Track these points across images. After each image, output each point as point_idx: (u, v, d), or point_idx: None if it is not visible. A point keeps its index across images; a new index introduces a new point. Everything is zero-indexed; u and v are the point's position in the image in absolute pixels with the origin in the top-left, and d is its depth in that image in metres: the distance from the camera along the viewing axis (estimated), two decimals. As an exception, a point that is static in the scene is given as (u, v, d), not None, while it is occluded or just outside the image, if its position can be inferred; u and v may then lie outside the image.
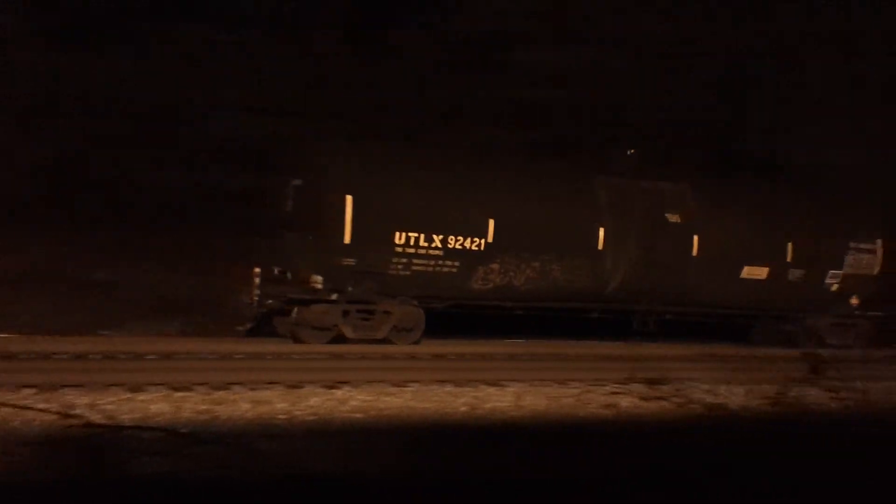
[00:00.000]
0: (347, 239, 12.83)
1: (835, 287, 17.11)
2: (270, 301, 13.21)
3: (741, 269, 16.04)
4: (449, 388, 9.60)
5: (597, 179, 14.96)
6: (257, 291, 13.14)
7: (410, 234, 13.20)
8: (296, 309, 13.11)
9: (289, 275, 13.29)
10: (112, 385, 8.16)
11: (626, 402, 7.54)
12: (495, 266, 13.89)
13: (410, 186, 13.55)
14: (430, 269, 13.47)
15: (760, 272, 16.19)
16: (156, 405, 7.23)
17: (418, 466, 5.71)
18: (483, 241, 13.69)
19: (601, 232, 14.69)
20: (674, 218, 15.46)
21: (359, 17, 19.58)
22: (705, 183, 16.41)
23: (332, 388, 8.90)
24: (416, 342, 13.73)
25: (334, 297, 13.08)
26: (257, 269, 13.18)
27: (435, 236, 13.39)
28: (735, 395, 7.72)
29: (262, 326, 13.97)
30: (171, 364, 10.28)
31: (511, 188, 14.30)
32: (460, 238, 13.56)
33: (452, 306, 14.23)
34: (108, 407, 7.00)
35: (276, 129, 16.86)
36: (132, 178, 16.93)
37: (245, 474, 4.93)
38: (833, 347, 15.45)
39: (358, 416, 7.71)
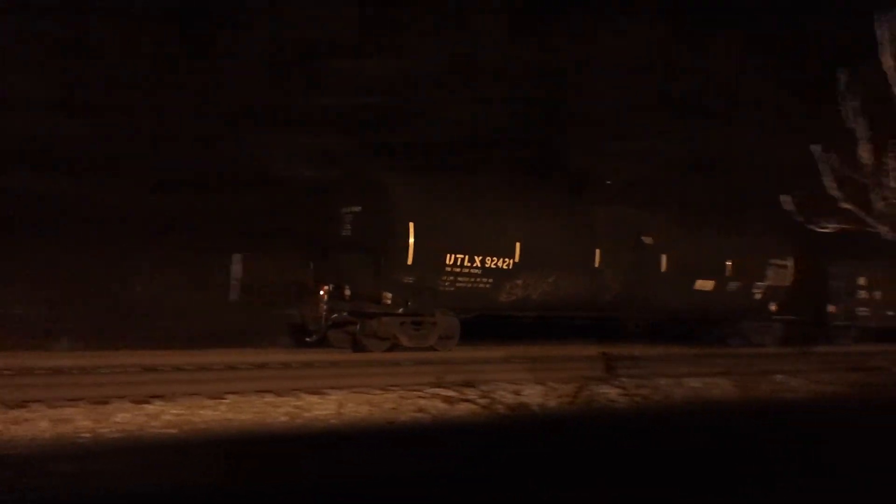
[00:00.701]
0: (410, 261, 14.91)
1: (759, 296, 20.83)
2: (335, 315, 14.95)
3: (695, 282, 19.50)
4: (269, 398, 9.50)
5: (593, 209, 17.74)
6: (325, 306, 14.79)
7: (458, 255, 15.55)
8: (360, 322, 15.03)
9: (347, 291, 15.01)
10: None
11: (442, 406, 7.83)
12: (519, 282, 16.42)
13: (458, 215, 15.90)
14: (470, 284, 15.87)
15: (708, 285, 19.71)
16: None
17: (232, 481, 5.66)
18: (512, 260, 16.22)
19: (598, 252, 17.53)
20: (648, 240, 18.56)
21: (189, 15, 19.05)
22: (668, 212, 19.47)
23: (142, 402, 8.54)
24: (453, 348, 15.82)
25: (400, 310, 15.05)
26: (325, 287, 14.92)
27: (476, 257, 15.83)
28: (536, 395, 8.21)
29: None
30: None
31: (533, 217, 16.94)
32: (495, 258, 16.05)
33: (478, 316, 16.47)
34: None
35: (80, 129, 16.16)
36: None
37: (38, 500, 4.70)
38: (758, 345, 19.75)
39: (171, 431, 7.48)
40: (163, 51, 18.74)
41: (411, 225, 14.90)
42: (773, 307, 21.39)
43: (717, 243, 19.72)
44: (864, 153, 11.80)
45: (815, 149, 11.92)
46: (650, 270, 18.42)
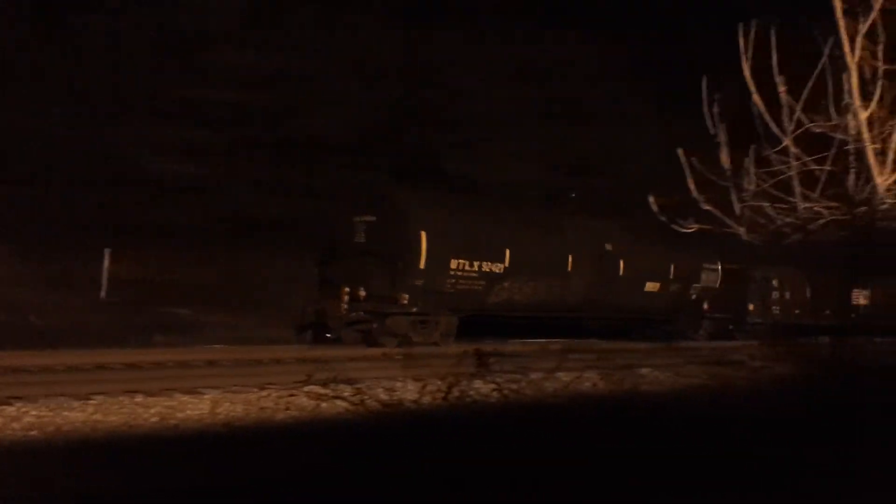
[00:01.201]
0: (422, 265, 16.80)
1: (694, 296, 23.82)
2: (354, 314, 16.74)
3: (645, 284, 22.01)
4: (139, 398, 9.29)
5: (564, 220, 19.82)
6: (345, 306, 16.48)
7: (460, 260, 17.54)
8: (378, 320, 16.82)
9: (362, 292, 16.62)
10: None
11: (319, 404, 7.85)
12: (506, 284, 18.48)
13: (461, 224, 17.91)
14: (467, 287, 17.86)
15: (655, 286, 22.19)
16: None
17: (95, 485, 5.51)
18: (502, 265, 18.30)
19: (570, 258, 19.83)
20: (609, 247, 20.83)
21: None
22: (622, 222, 21.35)
23: (2, 404, 8.22)
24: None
25: (414, 310, 16.89)
26: (346, 289, 16.50)
27: (475, 262, 17.84)
28: (411, 392, 8.35)
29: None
30: None
31: (519, 227, 19.01)
32: (488, 263, 18.07)
33: (470, 316, 18.10)
34: None
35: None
36: None
37: None
38: (692, 338, 22.61)
39: (33, 433, 7.24)
40: (14, 34, 17.82)
41: (424, 234, 16.88)
42: (705, 306, 24.48)
43: (662, 250, 21.68)
44: (725, 158, 12.51)
45: (680, 153, 12.53)
46: (611, 274, 20.91)
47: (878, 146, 11.74)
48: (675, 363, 14.07)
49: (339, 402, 7.16)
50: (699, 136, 12.77)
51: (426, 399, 7.02)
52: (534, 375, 8.11)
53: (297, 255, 19.61)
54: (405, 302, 16.74)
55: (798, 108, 11.83)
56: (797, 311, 26.97)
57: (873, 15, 11.48)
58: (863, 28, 11.51)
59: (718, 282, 24.78)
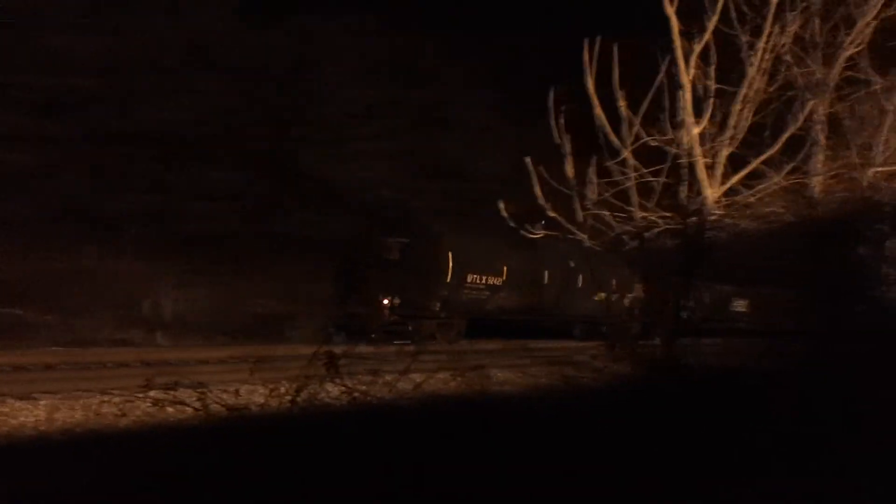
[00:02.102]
0: (448, 279, 20.89)
1: (628, 304, 26.30)
2: (394, 318, 19.92)
3: (596, 294, 25.79)
4: (-31, 404, 8.74)
5: (540, 241, 20.14)
6: (387, 312, 19.84)
7: (474, 275, 21.74)
8: (413, 323, 20.14)
9: (396, 301, 19.89)
10: None
11: (160, 410, 7.63)
12: (503, 294, 22.72)
13: (474, 247, 21.73)
14: (476, 296, 22.05)
15: (602, 296, 25.81)
16: None
17: None
18: (501, 279, 22.65)
19: (546, 273, 24.36)
20: (571, 264, 24.63)
21: None
22: (579, 242, 23.69)
23: None
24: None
25: (442, 315, 20.87)
26: (386, 298, 19.85)
27: (483, 276, 22.04)
28: (258, 395, 8.28)
29: None
30: None
31: (512, 248, 21.27)
32: (492, 277, 22.38)
33: (474, 319, 21.73)
34: None
35: None
36: None
37: None
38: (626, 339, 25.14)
39: None
40: None
41: (450, 254, 20.95)
42: (636, 312, 26.83)
43: (607, 266, 24.41)
44: (569, 168, 13.08)
45: (527, 161, 12.99)
46: (573, 286, 25.33)
47: (708, 161, 12.63)
48: (524, 364, 14.58)
49: (182, 408, 7.00)
50: (549, 147, 13.29)
51: (273, 403, 6.97)
52: (389, 377, 8.17)
53: (147, 254, 18.89)
54: (437, 308, 20.81)
55: (637, 122, 12.53)
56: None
57: (707, 36, 12.37)
58: (697, 48, 12.38)
59: (642, 292, 27.96)
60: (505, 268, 22.87)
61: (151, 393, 7.54)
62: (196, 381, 7.21)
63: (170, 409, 7.50)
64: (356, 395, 7.38)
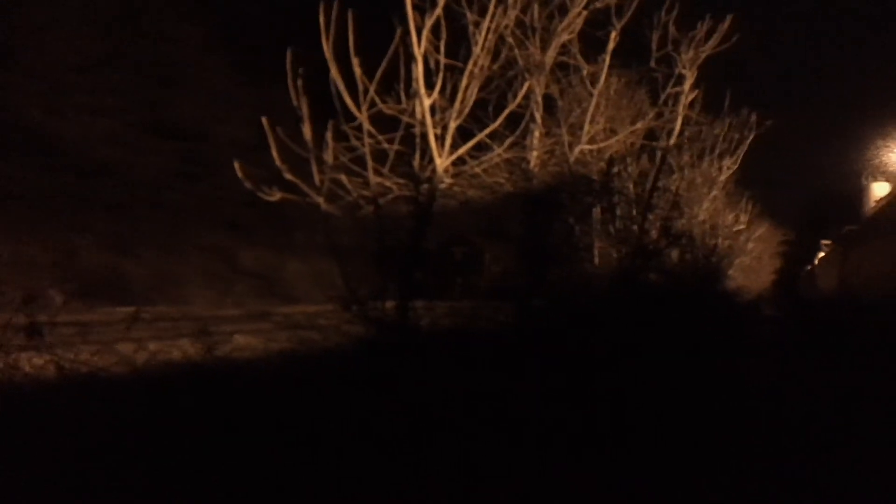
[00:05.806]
0: None
1: None
2: None
3: None
4: None
5: None
6: None
7: None
8: None
9: None
10: None
11: None
12: None
13: None
14: None
15: None
16: None
17: None
18: None
19: None
20: None
21: None
22: None
23: None
24: None
25: None
26: None
27: None
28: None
29: None
30: None
31: None
32: None
33: None
34: None
35: None
36: None
37: None
38: None
39: None
40: None
41: None
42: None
43: None
44: (307, 131, 13.00)
45: (264, 121, 12.74)
46: None
47: (438, 131, 13.19)
48: (267, 328, 14.47)
49: None
50: (290, 110, 13.09)
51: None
52: (120, 347, 7.64)
53: None
54: None
55: (372, 88, 12.76)
56: None
57: (437, 12, 12.82)
58: (428, 23, 12.80)
59: None
60: None
61: None
62: None
63: None
64: (65, 365, 6.88)
